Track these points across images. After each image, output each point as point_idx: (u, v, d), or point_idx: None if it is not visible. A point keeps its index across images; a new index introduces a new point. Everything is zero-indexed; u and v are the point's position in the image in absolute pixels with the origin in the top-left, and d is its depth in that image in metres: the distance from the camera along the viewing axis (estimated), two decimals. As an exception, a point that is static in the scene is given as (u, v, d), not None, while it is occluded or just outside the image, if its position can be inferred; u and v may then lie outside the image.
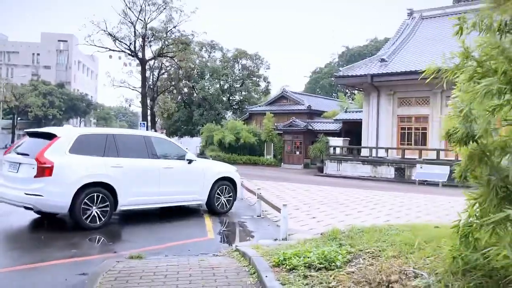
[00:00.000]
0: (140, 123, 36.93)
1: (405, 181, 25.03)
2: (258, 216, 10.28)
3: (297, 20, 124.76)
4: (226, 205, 10.64)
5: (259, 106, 44.28)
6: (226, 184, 10.68)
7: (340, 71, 30.02)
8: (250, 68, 54.23)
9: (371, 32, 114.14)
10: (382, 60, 28.59)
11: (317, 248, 4.99)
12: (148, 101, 42.27)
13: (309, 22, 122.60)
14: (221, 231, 8.78)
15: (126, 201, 8.85)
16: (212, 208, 10.45)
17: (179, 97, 52.67)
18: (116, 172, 8.70)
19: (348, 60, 65.34)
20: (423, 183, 23.61)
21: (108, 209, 8.49)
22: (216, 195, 10.43)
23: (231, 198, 10.77)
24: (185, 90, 52.12)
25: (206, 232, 8.43)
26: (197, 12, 52.35)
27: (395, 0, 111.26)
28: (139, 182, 9.06)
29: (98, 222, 8.33)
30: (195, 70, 50.38)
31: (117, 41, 37.07)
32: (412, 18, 33.28)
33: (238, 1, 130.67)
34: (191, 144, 49.05)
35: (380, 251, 4.62)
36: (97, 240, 7.67)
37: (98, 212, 8.36)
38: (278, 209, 8.33)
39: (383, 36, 74.11)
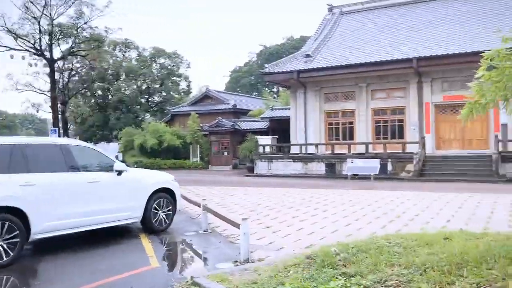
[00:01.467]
0: (51, 130, 33.42)
1: (337, 176, 24.85)
2: (205, 231, 8.89)
3: (213, 19, 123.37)
4: (165, 221, 9.12)
5: (182, 107, 42.39)
6: (163, 196, 9.16)
7: (266, 67, 29.26)
8: (169, 67, 51.93)
9: (286, 31, 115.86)
10: (307, 55, 28.27)
11: (313, 281, 3.81)
12: (59, 105, 38.57)
13: (225, 21, 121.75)
14: (165, 256, 7.29)
15: (42, 228, 7.06)
16: (149, 226, 8.89)
17: (93, 100, 49.10)
18: (26, 192, 6.88)
19: (267, 58, 65.34)
20: (354, 177, 23.53)
21: (18, 239, 6.66)
22: (153, 210, 8.88)
23: (171, 212, 9.28)
24: (99, 92, 48.64)
25: (148, 259, 6.90)
26: (111, 7, 48.63)
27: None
28: (58, 203, 7.29)
29: (4, 258, 6.48)
30: (109, 71, 47.19)
31: (19, 38, 33.22)
32: (333, 14, 33.46)
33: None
34: (109, 151, 45.78)
35: (406, 282, 3.55)
36: (4, 283, 5.87)
37: (4, 245, 6.52)
38: (235, 224, 7.02)
39: (299, 34, 75.35)
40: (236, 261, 6.46)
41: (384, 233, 7.51)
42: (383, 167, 23.58)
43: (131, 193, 8.53)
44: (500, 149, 21.58)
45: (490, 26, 25.03)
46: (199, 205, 9.44)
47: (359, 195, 14.09)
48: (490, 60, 4.00)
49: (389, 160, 23.84)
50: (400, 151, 24.41)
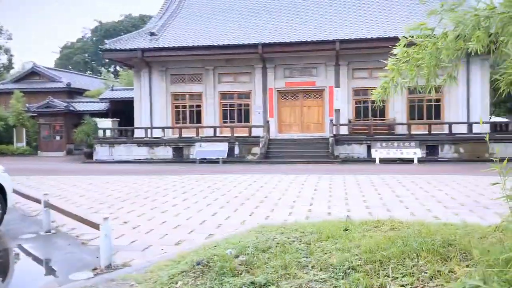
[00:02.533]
0: None
1: (185, 161, 24.27)
2: (47, 232, 7.36)
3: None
4: (-8, 223, 7.33)
5: (3, 84, 36.61)
6: (-11, 192, 7.35)
7: (106, 44, 26.80)
8: (-16, 37, 44.42)
9: (124, 8, 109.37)
10: (152, 34, 26.75)
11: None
12: None
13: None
14: (-3, 269, 5.74)
15: None
16: (-30, 230, 7.04)
17: None
18: None
19: (103, 35, 60.80)
20: (203, 161, 23.25)
21: None
22: (-26, 210, 7.03)
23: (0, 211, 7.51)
24: None
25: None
26: None
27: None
28: None
29: None
30: None
31: None
32: (177, -7, 32.27)
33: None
34: None
35: (331, 288, 3.06)
36: None
37: None
38: (95, 225, 5.82)
39: (138, 12, 71.88)
40: (95, 269, 5.35)
41: (255, 221, 7.16)
42: (231, 150, 23.77)
43: None
44: (334, 132, 23.53)
45: (330, 16, 27.01)
46: (39, 201, 7.82)
47: (215, 180, 13.69)
48: (411, 37, 3.78)
49: (236, 143, 24.13)
50: (247, 135, 24.90)
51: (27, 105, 31.33)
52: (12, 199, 7.91)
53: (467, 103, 23.99)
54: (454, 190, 10.78)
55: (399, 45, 3.79)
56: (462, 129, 23.36)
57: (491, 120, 27.16)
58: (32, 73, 35.93)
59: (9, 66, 46.86)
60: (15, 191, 8.81)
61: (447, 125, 23.17)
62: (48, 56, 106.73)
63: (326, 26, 25.62)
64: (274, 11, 28.70)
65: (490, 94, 24.13)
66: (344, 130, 24.70)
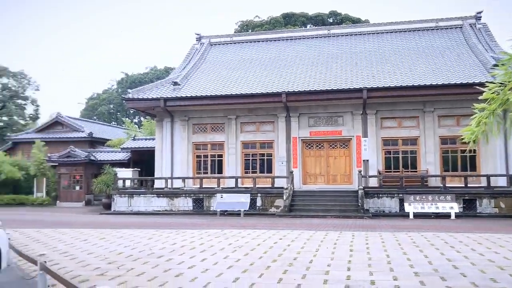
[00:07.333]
0: None
1: (205, 213, 23.20)
2: (42, 301, 6.29)
3: (67, 42, 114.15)
4: (-20, 288, 6.33)
5: (26, 134, 36.80)
6: (-20, 251, 6.40)
7: (129, 93, 26.66)
8: (13, 88, 45.37)
9: (149, 61, 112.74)
10: (175, 83, 26.56)
11: None
12: None
13: (82, 45, 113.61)
14: None
15: None
16: (-47, 297, 6.03)
17: None
18: None
19: (129, 86, 61.88)
20: (224, 213, 22.13)
21: None
22: (-40, 273, 6.07)
23: (-9, 274, 6.52)
24: None
25: None
26: (22, 21, 41.01)
27: (175, 29, 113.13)
28: None
29: None
30: None
31: None
32: (201, 44, 32.51)
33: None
34: None
35: None
36: None
37: None
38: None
39: (163, 65, 73.48)
40: None
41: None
42: (253, 202, 22.66)
43: None
44: (363, 184, 22.22)
45: (353, 64, 26.47)
46: (35, 262, 6.80)
47: (237, 236, 12.51)
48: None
49: (259, 195, 23.02)
50: (269, 186, 23.81)
51: (49, 154, 31.13)
52: (6, 259, 6.94)
53: (505, 154, 22.52)
54: None
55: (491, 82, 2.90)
56: (501, 182, 21.81)
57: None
58: (56, 123, 36.07)
59: (35, 116, 47.54)
60: (14, 249, 7.87)
61: (485, 177, 21.63)
62: (74, 107, 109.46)
63: (350, 76, 24.98)
64: (295, 62, 28.32)
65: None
66: (373, 182, 23.38)
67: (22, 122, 45.70)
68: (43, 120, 46.78)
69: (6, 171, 30.39)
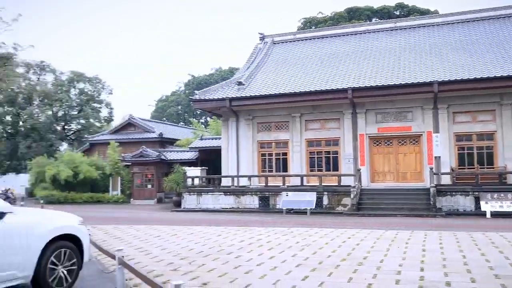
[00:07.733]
0: None
1: (271, 211, 23.29)
2: (121, 293, 6.66)
3: (139, 46, 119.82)
4: (66, 279, 6.79)
5: (102, 135, 39.06)
6: (65, 245, 6.87)
7: (196, 94, 27.43)
8: (89, 92, 48.29)
9: (214, 63, 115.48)
10: (240, 83, 26.94)
11: None
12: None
13: (151, 49, 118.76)
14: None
15: None
16: (44, 287, 6.52)
17: (0, 126, 44.11)
18: None
19: (195, 88, 63.66)
20: (290, 211, 22.11)
21: None
22: (49, 265, 6.55)
23: (75, 267, 6.98)
24: (8, 118, 43.86)
25: None
26: (21, 21, 43.57)
27: (239, 29, 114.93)
28: None
29: None
30: (21, 94, 42.77)
31: None
32: (265, 43, 32.71)
33: (71, 13, 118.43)
34: (17, 183, 40.99)
35: None
36: None
37: None
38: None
39: (227, 66, 74.78)
40: None
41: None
42: (319, 200, 22.42)
43: (16, 244, 6.18)
44: (435, 182, 21.28)
45: (421, 57, 25.43)
46: (113, 257, 7.22)
47: (305, 234, 12.47)
48: None
49: (325, 193, 22.74)
50: (336, 184, 23.45)
51: (122, 154, 32.81)
52: (88, 253, 7.41)
53: None
54: None
55: None
56: None
57: None
58: (128, 124, 37.95)
59: (109, 119, 50.27)
60: (94, 244, 8.39)
61: None
62: (145, 109, 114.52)
63: (418, 69, 23.98)
64: (361, 57, 27.64)
65: None
66: (445, 180, 22.31)
67: (98, 124, 48.48)
68: (117, 122, 49.44)
69: (84, 171, 32.42)
